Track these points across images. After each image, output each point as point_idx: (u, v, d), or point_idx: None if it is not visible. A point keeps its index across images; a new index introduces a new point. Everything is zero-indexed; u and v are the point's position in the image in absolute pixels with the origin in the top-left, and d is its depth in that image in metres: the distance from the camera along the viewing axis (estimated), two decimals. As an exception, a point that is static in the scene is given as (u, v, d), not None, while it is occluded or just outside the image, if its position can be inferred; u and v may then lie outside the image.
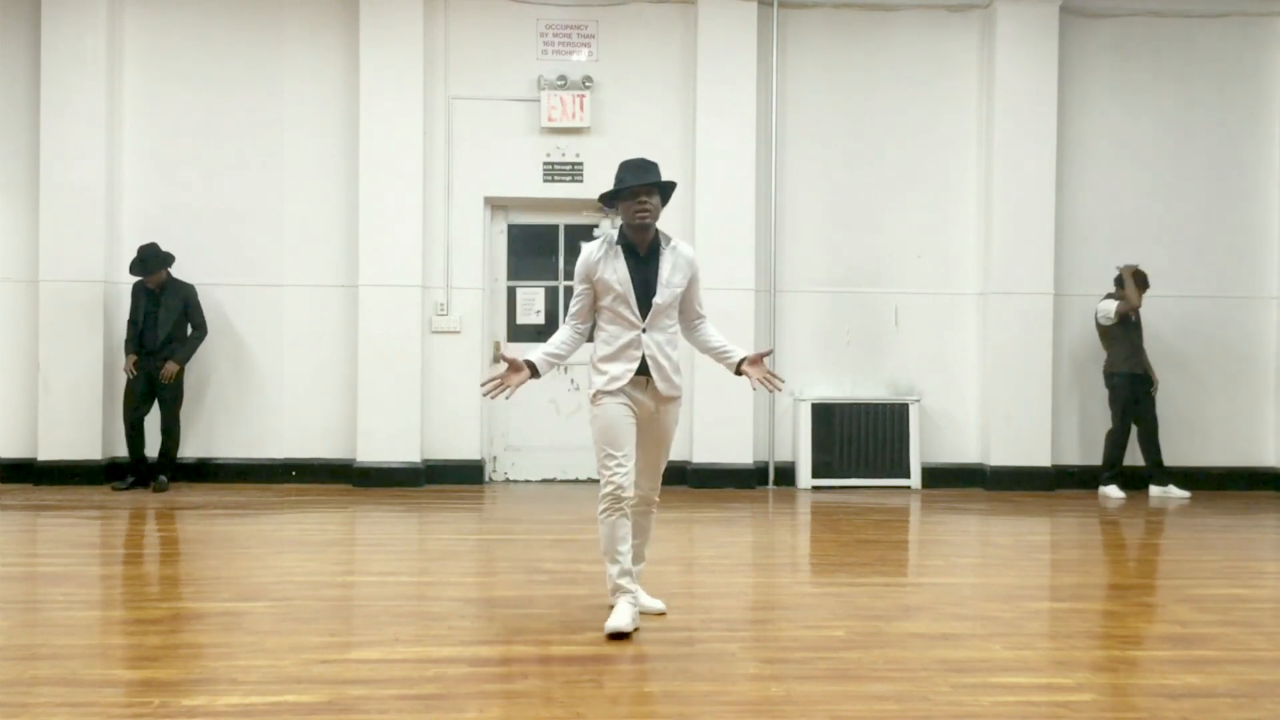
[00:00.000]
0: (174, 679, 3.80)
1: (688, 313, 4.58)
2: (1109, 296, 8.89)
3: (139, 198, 8.92)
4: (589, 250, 4.46)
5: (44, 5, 8.69)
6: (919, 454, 9.15)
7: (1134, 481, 9.04)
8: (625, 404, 4.40)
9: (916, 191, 9.29)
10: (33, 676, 3.82)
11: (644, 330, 4.38)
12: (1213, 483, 9.28)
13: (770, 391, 4.59)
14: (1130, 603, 5.27)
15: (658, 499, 4.72)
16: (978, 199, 9.31)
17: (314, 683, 3.75)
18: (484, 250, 9.10)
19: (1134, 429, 8.94)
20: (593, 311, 4.49)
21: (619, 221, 4.50)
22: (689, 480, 8.98)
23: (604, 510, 4.37)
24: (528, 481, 9.23)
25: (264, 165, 8.95)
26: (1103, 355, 9.02)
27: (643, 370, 4.39)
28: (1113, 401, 8.92)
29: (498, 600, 5.08)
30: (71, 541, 6.66)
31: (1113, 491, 8.84)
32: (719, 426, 8.97)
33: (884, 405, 9.14)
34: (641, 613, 4.54)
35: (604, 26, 9.09)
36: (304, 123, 8.96)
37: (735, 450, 9.00)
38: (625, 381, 4.37)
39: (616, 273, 4.38)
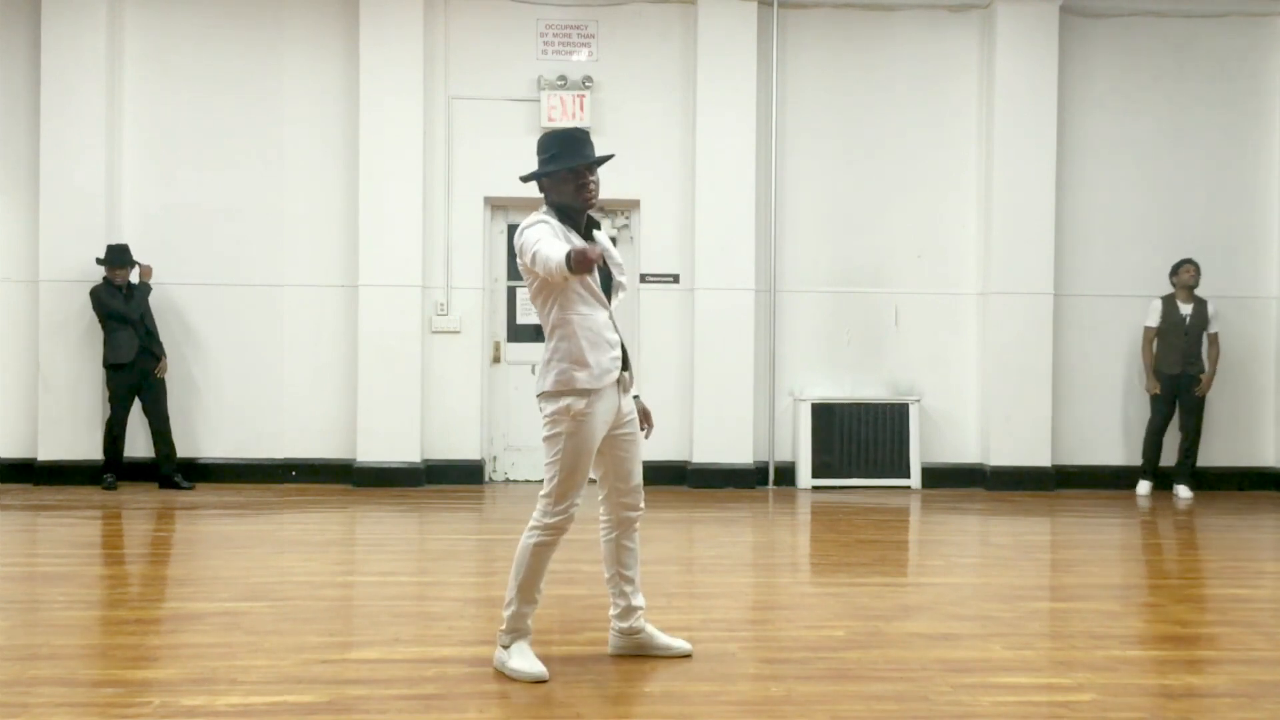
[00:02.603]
0: (174, 679, 3.80)
1: None
2: (1167, 299, 8.94)
3: (139, 198, 8.92)
4: (541, 220, 3.76)
5: (44, 5, 8.68)
6: (919, 454, 9.15)
7: (1131, 480, 9.09)
8: (606, 415, 3.81)
9: (916, 191, 9.29)
10: (33, 676, 3.82)
11: (610, 315, 3.88)
12: (1213, 483, 9.28)
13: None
14: (1130, 603, 5.27)
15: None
16: (978, 199, 9.30)
17: (314, 683, 3.75)
18: (484, 250, 9.09)
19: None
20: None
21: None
22: (689, 480, 8.98)
23: (543, 542, 3.80)
24: (528, 481, 9.22)
25: (264, 165, 8.95)
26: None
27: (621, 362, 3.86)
28: (1152, 398, 9.02)
29: (498, 600, 5.06)
30: (71, 541, 6.66)
31: (1140, 490, 8.96)
32: (719, 427, 8.96)
33: (884, 405, 9.14)
34: (666, 655, 4.07)
35: (604, 26, 9.09)
36: (304, 122, 8.96)
37: (735, 450, 8.99)
38: (615, 374, 3.80)
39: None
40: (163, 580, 5.58)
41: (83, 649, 4.21)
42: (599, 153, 3.90)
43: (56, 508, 7.67)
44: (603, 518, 4.03)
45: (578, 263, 3.40)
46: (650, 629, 4.12)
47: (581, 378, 3.74)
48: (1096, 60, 9.33)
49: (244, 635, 4.34)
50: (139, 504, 7.86)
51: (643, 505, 4.04)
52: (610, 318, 3.87)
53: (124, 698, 3.58)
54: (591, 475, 3.86)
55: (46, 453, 8.68)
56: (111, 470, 8.51)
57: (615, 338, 3.84)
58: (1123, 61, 9.34)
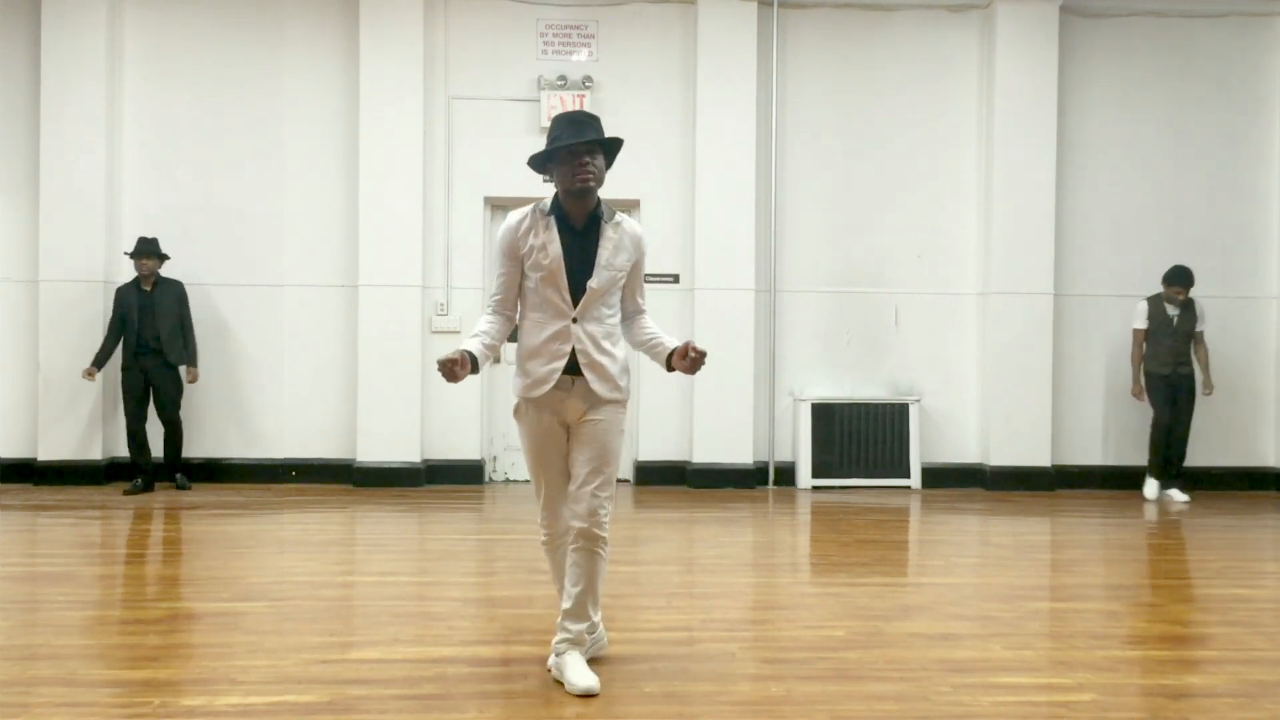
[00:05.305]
0: (174, 679, 3.80)
1: (626, 304, 3.84)
2: (1154, 299, 8.88)
3: (139, 198, 8.92)
4: (512, 218, 3.71)
5: (44, 5, 8.68)
6: (919, 454, 9.15)
7: (1132, 480, 9.08)
8: (552, 419, 3.72)
9: (916, 191, 9.29)
10: (33, 676, 3.82)
11: (574, 320, 3.66)
12: (1213, 483, 9.28)
13: (693, 366, 3.63)
14: (1130, 603, 5.27)
15: (603, 533, 3.70)
16: (978, 199, 9.31)
17: (314, 683, 3.75)
18: (484, 250, 9.09)
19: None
20: (518, 297, 3.77)
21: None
22: (689, 480, 8.98)
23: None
24: (528, 481, 9.21)
25: (264, 165, 8.95)
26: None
27: (571, 369, 3.67)
28: (1149, 399, 8.97)
29: (498, 600, 5.08)
30: (71, 541, 6.66)
31: (1148, 491, 8.86)
32: (719, 427, 8.97)
33: (884, 405, 9.14)
34: (557, 680, 3.75)
35: (604, 26, 9.09)
36: (304, 122, 8.96)
37: (735, 450, 8.99)
38: (551, 385, 3.65)
39: (547, 247, 3.64)
40: (162, 580, 5.58)
41: (83, 649, 4.21)
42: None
43: (56, 508, 7.67)
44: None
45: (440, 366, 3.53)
46: (567, 658, 3.72)
47: (517, 384, 3.77)
48: (1096, 60, 9.33)
49: (244, 635, 4.34)
50: (139, 504, 7.85)
51: (600, 531, 3.68)
52: (577, 325, 3.65)
53: (124, 698, 3.59)
54: None
55: (46, 453, 8.68)
56: (140, 472, 8.38)
57: (565, 349, 3.64)
58: (1123, 61, 9.35)
